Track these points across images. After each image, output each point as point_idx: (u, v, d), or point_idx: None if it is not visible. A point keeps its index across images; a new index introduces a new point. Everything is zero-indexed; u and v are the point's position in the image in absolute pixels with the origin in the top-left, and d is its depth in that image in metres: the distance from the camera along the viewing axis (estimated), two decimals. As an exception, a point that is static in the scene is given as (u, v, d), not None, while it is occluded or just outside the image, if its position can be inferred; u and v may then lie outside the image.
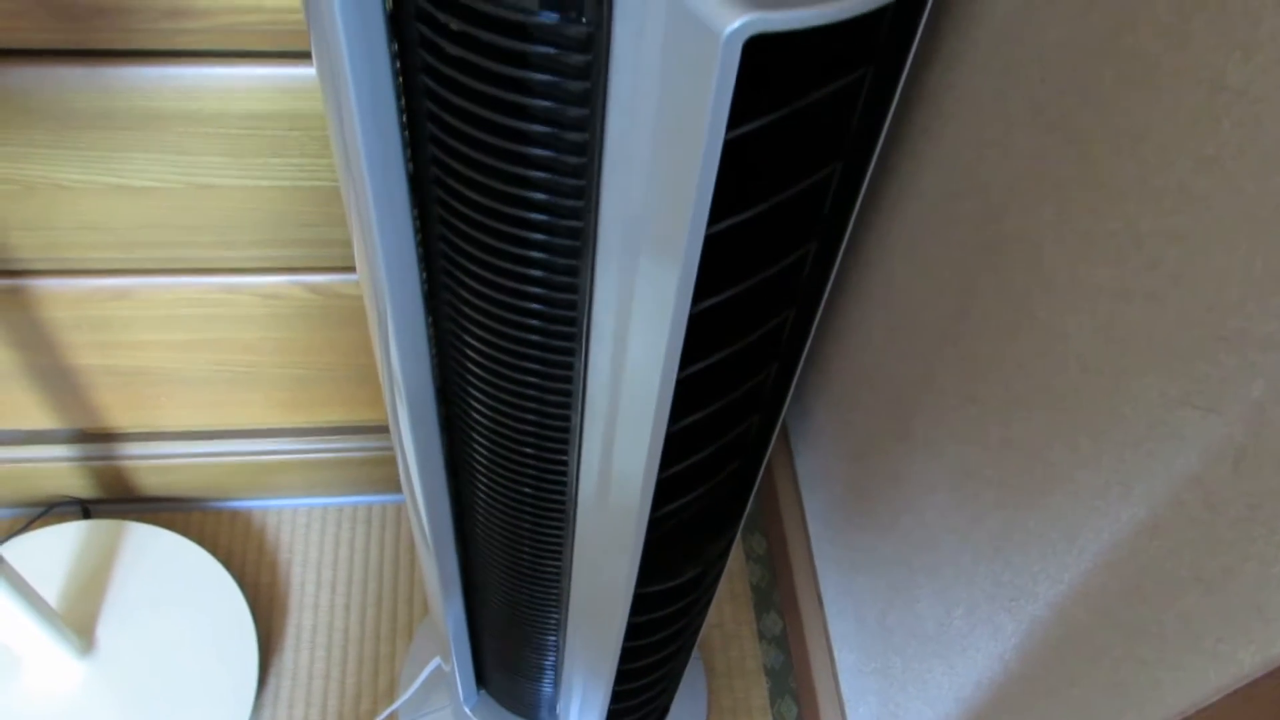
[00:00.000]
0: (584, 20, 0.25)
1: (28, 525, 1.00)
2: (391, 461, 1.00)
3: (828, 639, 0.93)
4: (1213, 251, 0.40)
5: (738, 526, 0.53)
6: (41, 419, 0.91)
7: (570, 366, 0.37)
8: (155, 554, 0.99)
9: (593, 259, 0.31)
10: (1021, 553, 0.56)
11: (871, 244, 0.77)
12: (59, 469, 0.97)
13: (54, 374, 0.85)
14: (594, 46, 0.25)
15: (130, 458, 0.96)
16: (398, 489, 1.04)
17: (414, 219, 0.36)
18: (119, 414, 0.91)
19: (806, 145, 0.31)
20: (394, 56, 0.30)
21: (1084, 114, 0.48)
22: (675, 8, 0.23)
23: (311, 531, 1.04)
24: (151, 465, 0.97)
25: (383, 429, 0.96)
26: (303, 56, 0.61)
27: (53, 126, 0.63)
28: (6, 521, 1.03)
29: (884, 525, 0.79)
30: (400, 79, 0.31)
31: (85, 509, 1.02)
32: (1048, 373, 0.53)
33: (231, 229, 0.72)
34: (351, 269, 0.77)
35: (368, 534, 1.04)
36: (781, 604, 1.02)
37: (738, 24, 0.22)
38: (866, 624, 0.84)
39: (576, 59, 0.26)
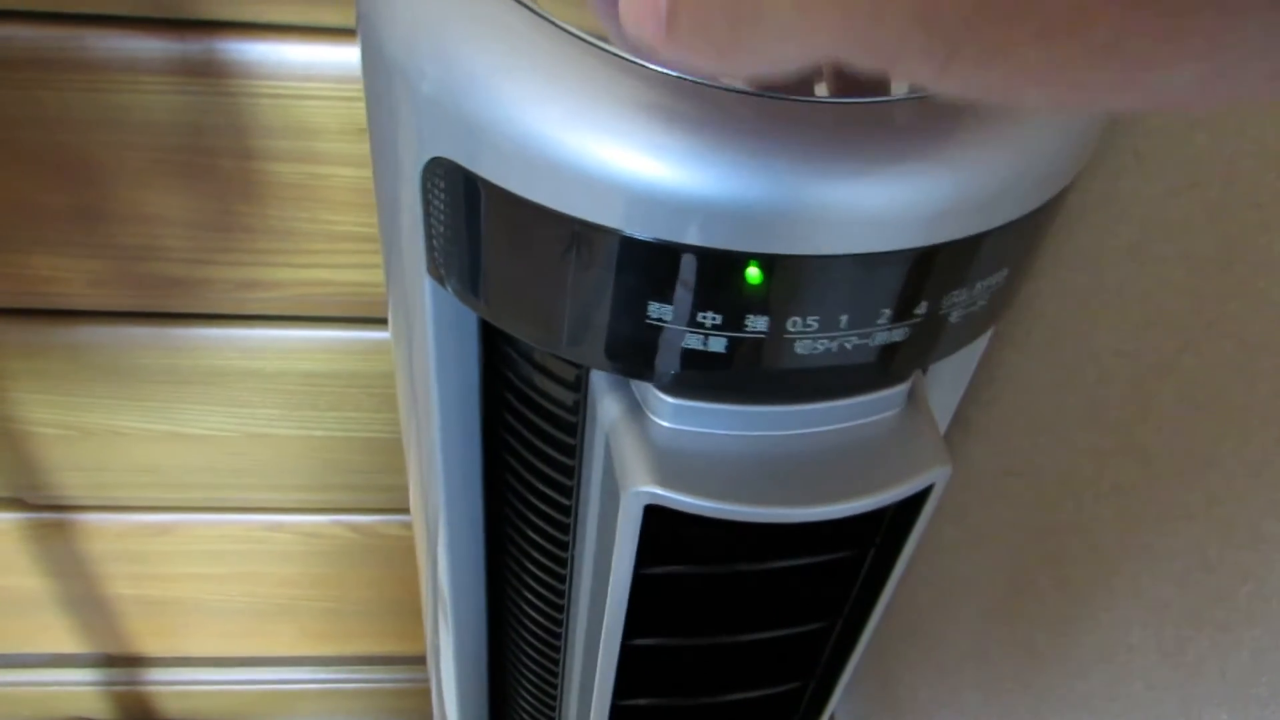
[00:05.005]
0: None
1: (41, 747, 0.97)
2: (413, 694, 0.97)
3: None
4: (1291, 599, 0.39)
5: None
6: (68, 643, 0.90)
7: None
8: (169, 784, 0.95)
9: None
10: None
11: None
12: (81, 692, 0.95)
13: (86, 602, 0.84)
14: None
15: (154, 683, 0.94)
16: (419, 719, 1.01)
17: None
18: (147, 640, 0.90)
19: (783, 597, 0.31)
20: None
21: (1144, 428, 0.48)
22: (608, 464, 0.24)
23: (330, 761, 1.01)
24: (175, 691, 0.95)
25: (408, 660, 0.94)
26: (365, 321, 0.62)
27: (117, 380, 0.65)
28: (20, 741, 1.00)
29: (932, 799, 0.75)
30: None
31: (101, 731, 0.99)
32: (1112, 680, 0.51)
33: (280, 473, 0.72)
34: (393, 510, 0.77)
35: (388, 766, 1.01)
36: None
37: (640, 490, 0.23)
38: None
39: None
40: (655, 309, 0.21)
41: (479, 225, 0.22)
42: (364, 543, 0.79)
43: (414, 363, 0.29)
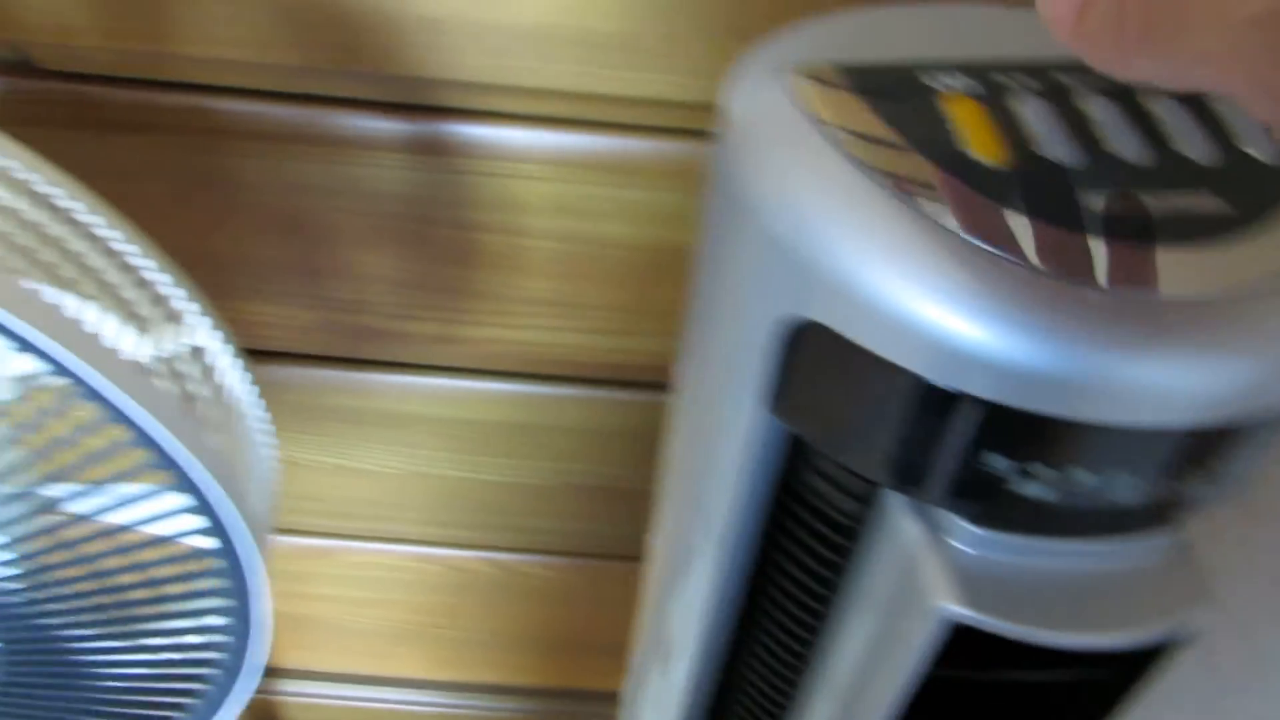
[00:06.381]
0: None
1: (170, 747, 1.03)
2: (529, 721, 1.01)
3: None
4: None
5: None
6: (209, 650, 0.95)
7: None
8: (289, 791, 1.00)
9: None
10: None
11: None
12: (212, 697, 1.00)
13: (234, 613, 0.89)
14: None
15: (285, 694, 0.99)
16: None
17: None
18: (280, 652, 0.95)
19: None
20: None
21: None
22: (903, 578, 0.27)
23: (439, 780, 1.05)
24: (303, 703, 1.00)
25: (530, 692, 0.98)
26: (543, 378, 0.67)
27: (304, 416, 0.70)
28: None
29: None
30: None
31: (225, 735, 1.04)
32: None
33: (438, 509, 0.77)
34: (535, 550, 0.81)
35: (493, 788, 1.04)
36: None
37: (945, 608, 0.25)
38: None
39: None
40: (990, 459, 0.25)
41: (831, 374, 0.26)
42: (504, 578, 0.83)
43: (710, 455, 0.33)
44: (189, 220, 0.59)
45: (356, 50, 0.51)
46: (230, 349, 0.39)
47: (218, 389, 0.36)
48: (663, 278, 0.60)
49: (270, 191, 0.57)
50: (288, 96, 0.54)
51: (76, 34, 0.51)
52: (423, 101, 0.54)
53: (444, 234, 0.59)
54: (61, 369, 0.27)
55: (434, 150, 0.56)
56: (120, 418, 0.29)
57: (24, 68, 0.53)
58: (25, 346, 0.27)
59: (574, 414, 0.69)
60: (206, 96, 0.54)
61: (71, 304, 0.29)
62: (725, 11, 0.50)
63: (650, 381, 0.67)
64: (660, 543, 0.42)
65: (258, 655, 0.39)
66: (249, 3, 0.50)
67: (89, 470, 0.30)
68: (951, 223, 0.24)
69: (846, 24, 0.31)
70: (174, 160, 0.56)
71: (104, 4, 0.51)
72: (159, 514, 0.32)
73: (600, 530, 0.79)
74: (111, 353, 0.28)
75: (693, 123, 0.54)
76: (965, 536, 0.27)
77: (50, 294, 0.28)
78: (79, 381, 0.28)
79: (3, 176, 0.31)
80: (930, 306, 0.24)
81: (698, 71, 0.52)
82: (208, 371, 0.36)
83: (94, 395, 0.28)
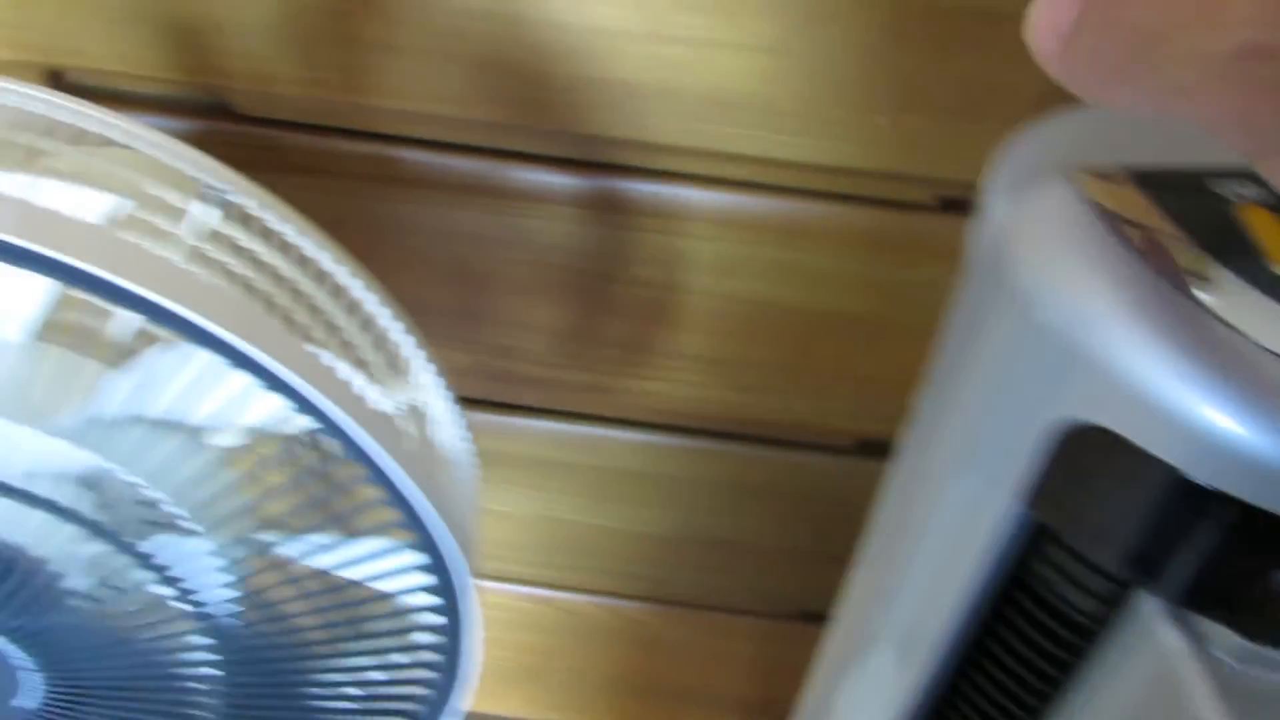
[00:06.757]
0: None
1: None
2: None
3: None
4: None
5: None
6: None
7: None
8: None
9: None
10: None
11: None
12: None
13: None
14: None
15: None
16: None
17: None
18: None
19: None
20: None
21: None
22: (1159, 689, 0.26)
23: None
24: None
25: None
26: (680, 430, 0.67)
27: (443, 456, 0.71)
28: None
29: None
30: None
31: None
32: None
33: (559, 552, 0.77)
34: (641, 598, 0.81)
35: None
36: None
37: None
38: None
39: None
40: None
41: (1115, 481, 0.26)
42: (606, 621, 0.83)
43: (937, 540, 0.33)
44: (362, 263, 0.60)
45: (546, 108, 0.52)
46: (453, 402, 0.40)
47: (445, 442, 0.37)
48: (817, 339, 0.61)
49: (441, 239, 0.58)
50: (467, 149, 0.55)
51: (275, 82, 0.53)
52: (600, 159, 0.55)
53: (606, 287, 0.60)
54: (334, 429, 0.28)
55: (604, 206, 0.57)
56: (379, 477, 0.29)
57: (220, 111, 0.55)
58: (305, 408, 0.28)
59: (709, 467, 0.69)
60: (390, 146, 0.56)
61: (344, 367, 0.30)
62: (903, 86, 0.51)
63: (791, 440, 0.67)
64: (848, 616, 0.42)
65: (460, 701, 0.39)
66: (445, 59, 0.51)
67: (338, 525, 0.31)
68: (1262, 339, 0.24)
69: (1102, 119, 0.31)
70: (353, 206, 0.58)
71: (304, 55, 0.52)
72: (394, 570, 0.33)
73: (719, 583, 0.79)
74: (376, 414, 0.29)
75: (863, 190, 0.55)
76: (1231, 649, 0.27)
77: (327, 357, 0.29)
78: (347, 441, 0.29)
79: (278, 241, 0.32)
80: (1235, 422, 0.24)
81: (873, 141, 0.52)
82: (436, 424, 0.37)
83: (359, 455, 0.29)
